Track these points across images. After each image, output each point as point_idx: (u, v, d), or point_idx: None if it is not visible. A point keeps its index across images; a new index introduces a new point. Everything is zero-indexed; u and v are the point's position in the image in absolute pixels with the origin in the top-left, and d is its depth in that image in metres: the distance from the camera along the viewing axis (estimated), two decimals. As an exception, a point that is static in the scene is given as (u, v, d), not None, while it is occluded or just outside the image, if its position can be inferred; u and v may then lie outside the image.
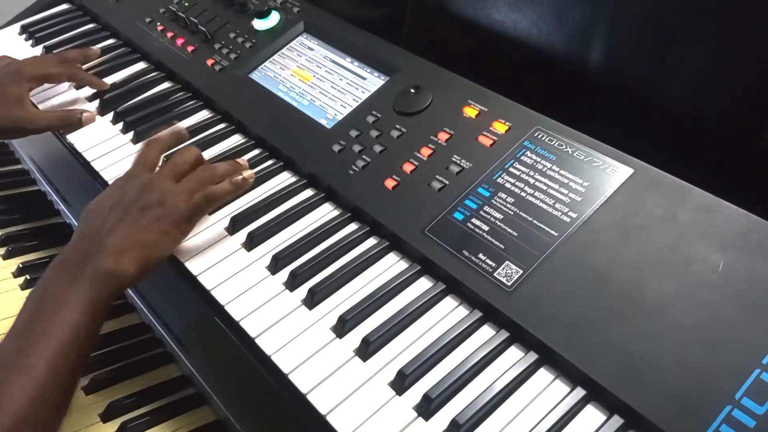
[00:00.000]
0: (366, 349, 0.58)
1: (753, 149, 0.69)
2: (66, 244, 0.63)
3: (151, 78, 0.95)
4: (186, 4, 1.01)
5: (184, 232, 0.66)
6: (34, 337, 0.56)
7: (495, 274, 0.60)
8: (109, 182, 0.79)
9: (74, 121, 0.87)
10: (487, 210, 0.64)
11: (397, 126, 0.74)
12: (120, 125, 0.87)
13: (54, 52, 1.01)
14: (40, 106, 0.92)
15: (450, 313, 0.60)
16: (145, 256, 0.62)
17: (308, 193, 0.74)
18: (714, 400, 0.48)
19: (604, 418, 0.52)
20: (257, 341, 0.60)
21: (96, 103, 0.92)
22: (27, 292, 0.85)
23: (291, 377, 0.57)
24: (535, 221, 0.62)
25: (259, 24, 0.93)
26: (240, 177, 0.70)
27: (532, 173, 0.65)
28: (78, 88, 0.95)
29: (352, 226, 0.70)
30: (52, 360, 0.55)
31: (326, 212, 0.72)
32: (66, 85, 0.95)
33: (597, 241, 0.59)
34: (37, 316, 0.57)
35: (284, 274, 0.65)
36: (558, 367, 0.55)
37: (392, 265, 0.65)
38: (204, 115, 0.87)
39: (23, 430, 0.52)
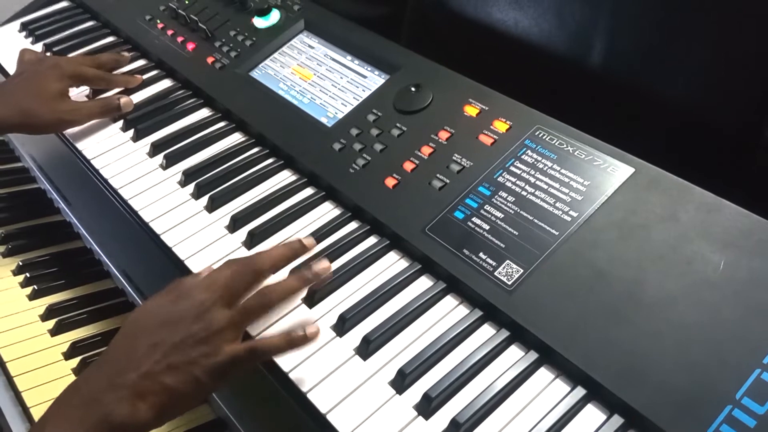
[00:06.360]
0: (366, 348, 0.58)
1: (753, 148, 0.69)
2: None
3: (151, 76, 0.94)
4: (186, 1, 1.00)
5: (217, 383, 0.54)
6: None
7: (495, 273, 0.59)
8: (109, 181, 0.79)
9: (114, 107, 0.87)
10: (488, 209, 0.64)
11: (398, 124, 0.74)
12: (120, 123, 0.87)
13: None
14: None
15: (450, 312, 0.60)
16: (166, 404, 0.52)
17: (308, 191, 0.74)
18: (714, 400, 0.48)
19: (604, 417, 0.52)
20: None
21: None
22: (27, 290, 0.85)
23: (291, 376, 0.57)
24: (535, 220, 0.62)
25: (259, 22, 0.92)
26: (302, 332, 0.56)
27: (532, 172, 0.65)
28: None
29: (353, 225, 0.70)
30: None
31: (326, 211, 0.72)
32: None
33: (598, 240, 0.59)
34: None
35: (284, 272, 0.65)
36: (558, 366, 0.55)
37: (393, 263, 0.65)
38: (204, 113, 0.87)
39: None
